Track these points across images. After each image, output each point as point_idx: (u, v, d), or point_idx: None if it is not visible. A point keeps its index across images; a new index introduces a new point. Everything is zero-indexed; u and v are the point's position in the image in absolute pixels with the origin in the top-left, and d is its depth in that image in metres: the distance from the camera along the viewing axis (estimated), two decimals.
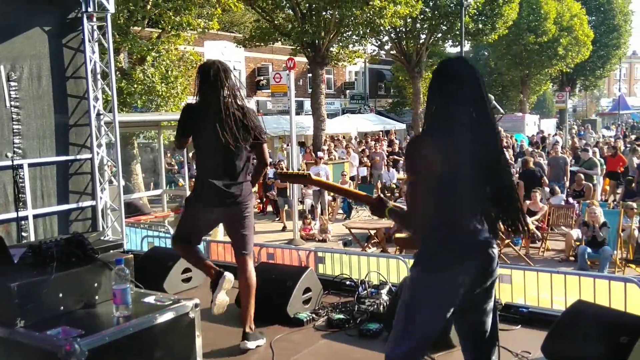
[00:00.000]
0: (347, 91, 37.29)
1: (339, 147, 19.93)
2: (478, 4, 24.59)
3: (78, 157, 6.23)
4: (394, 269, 5.50)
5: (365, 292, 4.80)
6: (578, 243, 9.48)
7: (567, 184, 12.70)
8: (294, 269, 5.29)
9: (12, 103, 5.62)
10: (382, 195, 2.81)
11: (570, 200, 11.41)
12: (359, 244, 10.76)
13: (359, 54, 23.76)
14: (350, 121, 28.76)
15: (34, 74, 5.80)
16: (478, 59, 41.17)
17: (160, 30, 14.67)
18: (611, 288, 4.63)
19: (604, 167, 14.36)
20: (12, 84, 5.61)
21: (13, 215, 5.53)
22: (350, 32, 21.48)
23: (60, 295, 2.89)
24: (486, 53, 40.37)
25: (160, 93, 14.01)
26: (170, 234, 7.35)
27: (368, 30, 21.14)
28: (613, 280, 4.83)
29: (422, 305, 2.43)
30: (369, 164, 17.74)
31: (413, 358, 2.48)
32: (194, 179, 4.08)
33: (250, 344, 3.98)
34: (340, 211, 14.48)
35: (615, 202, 13.10)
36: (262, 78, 30.34)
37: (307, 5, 19.80)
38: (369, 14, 18.68)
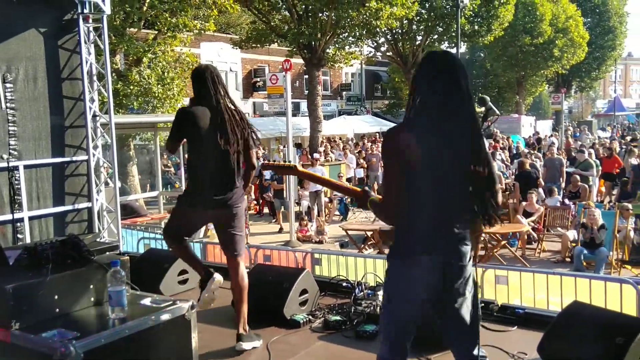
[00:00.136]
0: (344, 93, 37.32)
1: (336, 149, 19.94)
2: (474, 5, 24.64)
3: (74, 158, 6.21)
4: None
5: (362, 293, 4.79)
6: (574, 244, 9.50)
7: (563, 185, 12.73)
8: (291, 270, 5.29)
9: (8, 104, 5.60)
10: (366, 188, 2.85)
11: (566, 201, 11.44)
12: (356, 245, 10.76)
13: (355, 56, 23.76)
14: (346, 123, 28.78)
15: (30, 75, 5.78)
16: (474, 61, 41.28)
17: (156, 32, 14.65)
18: (607, 289, 4.65)
19: (600, 168, 14.40)
20: (8, 85, 5.59)
21: (8, 217, 5.51)
22: (346, 34, 21.48)
23: (56, 297, 2.89)
24: (482, 54, 40.45)
25: (156, 94, 13.99)
26: None
27: (364, 32, 21.13)
28: (609, 281, 4.85)
29: (391, 295, 2.51)
30: (365, 166, 17.77)
31: (397, 353, 2.50)
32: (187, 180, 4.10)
33: (246, 345, 3.98)
34: (337, 213, 14.47)
35: (611, 204, 13.14)
36: (258, 79, 30.34)
37: (304, 6, 19.80)
38: (365, 16, 18.70)
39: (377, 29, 21.47)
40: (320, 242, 11.90)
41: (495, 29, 25.86)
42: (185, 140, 3.94)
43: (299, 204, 13.80)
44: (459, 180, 2.40)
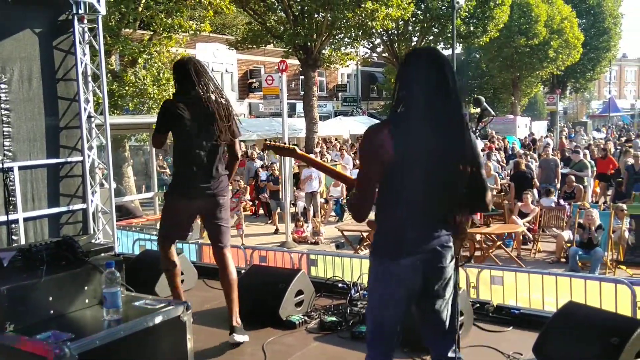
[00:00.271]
0: (340, 93, 37.35)
1: (332, 150, 19.93)
2: (469, 6, 24.72)
3: (69, 159, 6.19)
4: None
5: (358, 294, 4.79)
6: (569, 244, 9.52)
7: (558, 185, 12.77)
8: (287, 271, 5.29)
9: (2, 105, 5.57)
10: None
11: (561, 202, 11.47)
12: (352, 246, 10.76)
13: (351, 57, 23.80)
14: (342, 123, 28.79)
15: (24, 76, 5.76)
16: (469, 62, 41.37)
17: (151, 33, 14.62)
18: (602, 289, 4.66)
19: (595, 169, 14.44)
20: (2, 86, 5.57)
21: (3, 218, 5.48)
22: (342, 35, 21.51)
23: (50, 298, 2.87)
24: (477, 55, 40.48)
25: (151, 95, 13.96)
26: None
27: (360, 33, 21.16)
28: (604, 281, 4.86)
29: (371, 292, 2.52)
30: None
31: (380, 352, 2.52)
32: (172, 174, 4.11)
33: (239, 337, 4.01)
34: (333, 214, 14.47)
35: (605, 204, 13.18)
36: (254, 80, 30.33)
37: (299, 7, 19.82)
38: (360, 17, 18.72)
39: (373, 30, 21.52)
40: (316, 243, 11.89)
41: (491, 30, 25.95)
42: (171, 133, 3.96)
43: (294, 204, 13.79)
44: (441, 180, 2.36)
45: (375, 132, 2.39)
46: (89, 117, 6.37)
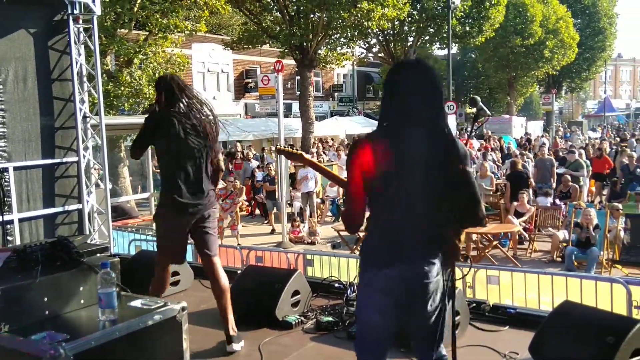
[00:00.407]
0: (336, 94, 37.34)
1: (329, 150, 19.92)
2: (465, 6, 24.75)
3: (64, 160, 6.17)
4: None
5: (354, 294, 4.79)
6: (565, 244, 9.54)
7: (554, 185, 12.80)
8: (283, 271, 5.29)
9: None
10: None
11: (557, 201, 11.49)
12: (348, 246, 10.76)
13: (347, 57, 23.79)
14: (338, 124, 28.78)
15: (20, 76, 5.74)
16: (465, 62, 41.45)
17: (147, 33, 14.60)
18: (598, 288, 4.67)
19: (590, 168, 14.48)
20: None
21: None
22: (338, 35, 21.51)
23: (45, 299, 2.86)
24: (473, 55, 40.63)
25: (147, 96, 13.93)
26: None
27: (356, 33, 21.16)
28: (599, 280, 4.88)
29: (358, 296, 2.60)
30: None
31: (368, 354, 2.53)
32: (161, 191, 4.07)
33: (237, 346, 3.98)
34: (329, 214, 14.46)
35: (601, 204, 13.22)
36: (250, 81, 30.30)
37: (295, 7, 19.81)
38: (356, 17, 18.72)
39: (369, 30, 21.51)
40: (313, 243, 11.89)
41: (487, 30, 25.99)
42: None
43: (291, 205, 13.78)
44: (425, 193, 2.36)
45: (357, 145, 2.43)
46: (85, 117, 6.35)
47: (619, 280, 4.60)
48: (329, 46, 22.01)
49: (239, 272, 5.36)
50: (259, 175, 14.69)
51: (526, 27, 31.94)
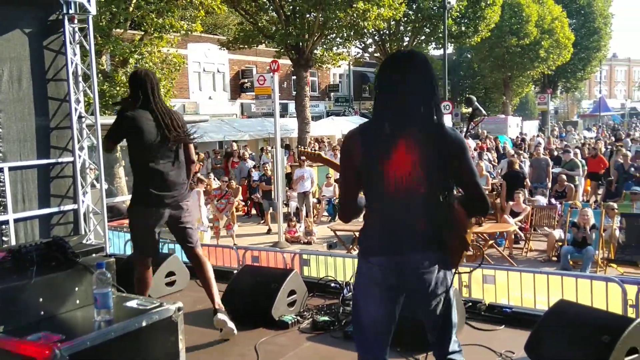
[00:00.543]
0: (332, 94, 37.35)
1: (324, 149, 19.92)
2: (461, 7, 24.80)
3: (59, 160, 6.15)
4: None
5: (350, 294, 4.79)
6: (560, 243, 9.57)
7: (549, 184, 12.83)
8: (279, 271, 5.28)
9: None
10: None
11: (553, 200, 11.52)
12: (344, 246, 10.76)
13: (343, 57, 23.80)
14: (334, 124, 28.78)
15: (14, 76, 5.71)
16: (461, 62, 41.51)
17: (142, 33, 14.56)
18: (593, 288, 4.68)
19: (585, 168, 14.53)
20: None
21: None
22: (334, 35, 21.52)
23: (41, 299, 2.85)
24: (469, 55, 40.70)
25: None
26: None
27: (352, 33, 21.18)
28: (595, 280, 4.89)
29: (354, 290, 2.59)
30: None
31: (369, 351, 2.54)
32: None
33: (223, 316, 4.08)
34: (325, 213, 14.46)
35: (596, 203, 13.26)
36: (246, 80, 30.26)
37: (291, 7, 19.81)
38: (352, 17, 18.73)
39: (365, 30, 21.55)
40: (309, 242, 11.88)
41: (482, 30, 26.05)
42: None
43: (287, 204, 13.78)
44: (416, 185, 2.34)
45: (347, 138, 2.48)
46: (80, 117, 6.34)
47: (614, 280, 4.61)
48: (325, 46, 22.01)
49: (235, 272, 5.35)
50: (255, 175, 14.68)
51: (522, 27, 32.02)
